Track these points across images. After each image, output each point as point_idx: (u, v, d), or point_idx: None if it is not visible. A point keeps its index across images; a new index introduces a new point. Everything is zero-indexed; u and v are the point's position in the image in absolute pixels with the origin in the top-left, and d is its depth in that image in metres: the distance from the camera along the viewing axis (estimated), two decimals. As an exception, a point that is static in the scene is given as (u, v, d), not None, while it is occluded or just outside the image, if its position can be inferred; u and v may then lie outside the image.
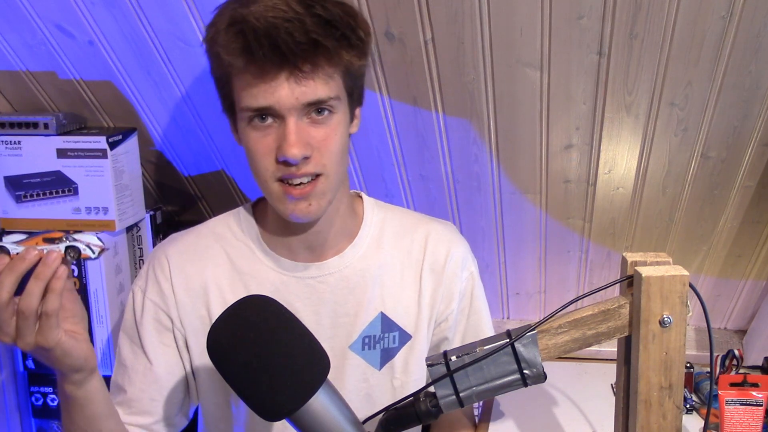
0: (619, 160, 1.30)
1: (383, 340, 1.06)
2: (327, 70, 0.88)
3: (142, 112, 1.37)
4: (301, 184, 0.92)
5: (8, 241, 0.81)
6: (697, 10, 1.06)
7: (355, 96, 0.97)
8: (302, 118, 0.90)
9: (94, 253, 0.84)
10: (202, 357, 1.05)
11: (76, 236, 0.83)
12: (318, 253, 1.04)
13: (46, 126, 1.31)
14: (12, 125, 1.32)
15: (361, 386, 1.06)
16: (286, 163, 0.90)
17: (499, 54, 1.15)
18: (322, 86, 0.89)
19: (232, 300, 1.02)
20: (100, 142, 1.31)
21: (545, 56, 1.14)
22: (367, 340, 1.05)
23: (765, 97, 1.16)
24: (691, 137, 1.24)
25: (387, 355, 1.07)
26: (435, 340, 1.11)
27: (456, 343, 1.11)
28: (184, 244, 1.07)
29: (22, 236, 0.81)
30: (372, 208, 1.10)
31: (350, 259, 1.05)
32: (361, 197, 1.11)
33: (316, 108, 0.90)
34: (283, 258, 1.03)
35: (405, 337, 1.07)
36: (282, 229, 1.02)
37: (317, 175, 0.92)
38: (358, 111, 1.00)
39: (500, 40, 1.13)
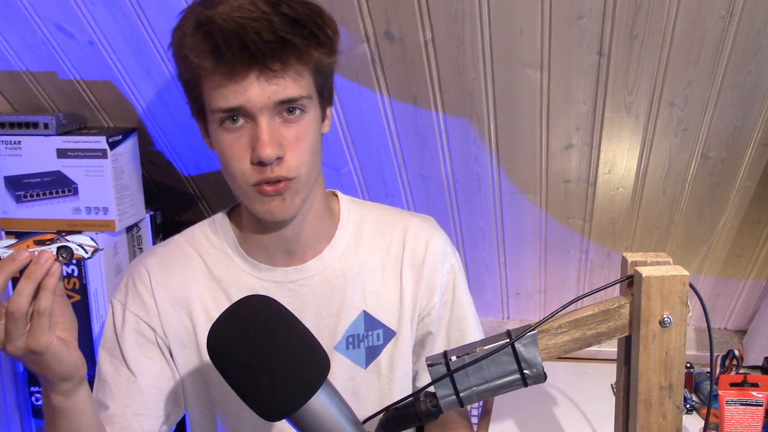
0: (619, 160, 1.30)
1: (367, 339, 1.06)
2: (297, 68, 0.88)
3: (142, 112, 1.37)
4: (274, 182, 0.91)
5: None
6: (697, 10, 1.06)
7: (325, 95, 0.96)
8: (274, 118, 0.89)
9: (87, 253, 0.82)
10: (187, 367, 1.04)
11: (69, 237, 0.81)
12: (296, 255, 1.03)
13: (46, 126, 1.31)
14: (12, 125, 1.32)
15: (348, 385, 1.06)
16: (261, 164, 0.89)
17: (499, 54, 1.15)
18: (292, 85, 0.88)
19: (213, 309, 1.01)
20: (100, 142, 1.31)
21: (545, 56, 1.14)
22: (351, 340, 1.05)
23: (765, 97, 1.16)
24: (691, 137, 1.24)
25: (372, 354, 1.06)
26: (419, 335, 1.10)
27: (441, 337, 1.10)
28: (162, 255, 1.06)
29: (12, 240, 0.80)
30: (348, 207, 1.09)
31: (329, 260, 1.04)
32: (337, 196, 1.10)
33: (288, 107, 0.90)
34: (262, 264, 1.03)
35: (389, 334, 1.06)
36: (259, 232, 1.01)
37: (290, 179, 0.92)
38: (329, 111, 1.00)
39: (500, 40, 1.13)
